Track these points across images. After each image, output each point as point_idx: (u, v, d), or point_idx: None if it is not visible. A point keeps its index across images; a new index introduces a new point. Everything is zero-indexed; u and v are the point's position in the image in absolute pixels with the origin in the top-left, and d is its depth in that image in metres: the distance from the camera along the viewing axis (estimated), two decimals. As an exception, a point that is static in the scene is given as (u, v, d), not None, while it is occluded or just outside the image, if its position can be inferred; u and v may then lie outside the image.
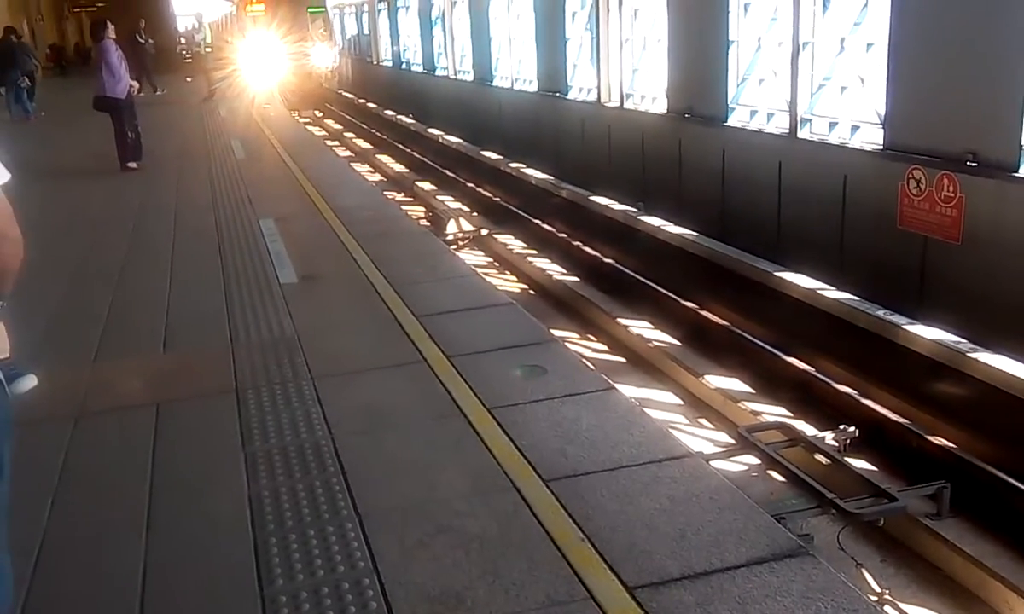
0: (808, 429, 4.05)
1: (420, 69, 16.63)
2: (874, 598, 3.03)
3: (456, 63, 14.39)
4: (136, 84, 8.43)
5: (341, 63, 22.45)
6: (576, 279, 6.93)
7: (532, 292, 6.94)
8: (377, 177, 12.31)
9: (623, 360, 5.47)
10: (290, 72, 19.65)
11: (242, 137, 10.30)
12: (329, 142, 14.82)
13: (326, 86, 21.92)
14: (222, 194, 6.99)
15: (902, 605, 3.09)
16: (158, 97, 15.32)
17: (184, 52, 21.49)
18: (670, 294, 5.99)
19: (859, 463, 3.78)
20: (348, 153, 14.32)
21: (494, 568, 2.00)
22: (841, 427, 3.89)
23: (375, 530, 2.19)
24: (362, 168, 12.27)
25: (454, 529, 2.16)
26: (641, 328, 5.68)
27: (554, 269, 7.27)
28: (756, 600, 1.84)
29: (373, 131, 16.01)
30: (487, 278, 5.47)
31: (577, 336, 5.84)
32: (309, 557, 2.10)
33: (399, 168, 12.79)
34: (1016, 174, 4.56)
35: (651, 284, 6.25)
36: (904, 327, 4.70)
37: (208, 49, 22.59)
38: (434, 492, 2.34)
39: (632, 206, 7.86)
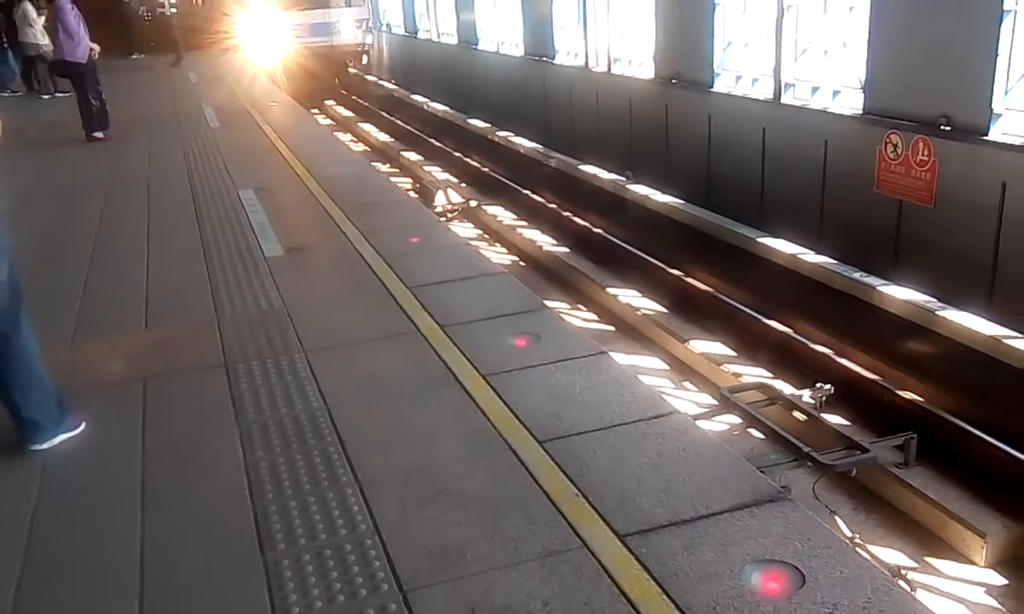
0: (787, 388, 4.24)
1: (402, 32, 16.29)
2: (845, 542, 3.25)
3: (439, 25, 14.10)
4: (96, 47, 7.97)
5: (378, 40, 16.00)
6: (566, 250, 6.99)
7: (522, 263, 7.01)
8: (361, 147, 12.16)
9: (612, 328, 5.60)
10: (298, 50, 13.73)
11: (214, 104, 9.89)
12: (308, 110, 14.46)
13: (354, 71, 16.18)
14: (197, 164, 6.74)
15: (870, 547, 3.32)
16: (125, 62, 14.52)
17: (145, 14, 18.95)
18: (657, 262, 6.12)
19: (834, 418, 3.98)
20: (328, 121, 14.06)
21: (493, 524, 2.10)
22: (817, 385, 4.09)
23: (375, 495, 2.23)
24: (344, 137, 12.08)
25: (453, 490, 2.25)
26: (630, 297, 5.80)
27: (544, 240, 7.31)
28: (738, 542, 1.98)
29: (353, 97, 15.71)
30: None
31: (568, 306, 5.95)
32: (310, 522, 2.14)
33: (383, 137, 12.64)
34: (986, 137, 4.70)
35: (639, 253, 6.37)
36: (878, 288, 4.89)
37: (173, 9, 19.69)
38: (432, 457, 2.41)
39: (620, 175, 7.91)
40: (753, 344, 4.95)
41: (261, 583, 1.95)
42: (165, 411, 2.81)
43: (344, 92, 15.59)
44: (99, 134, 8.00)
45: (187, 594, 1.97)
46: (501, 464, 2.38)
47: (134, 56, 15.34)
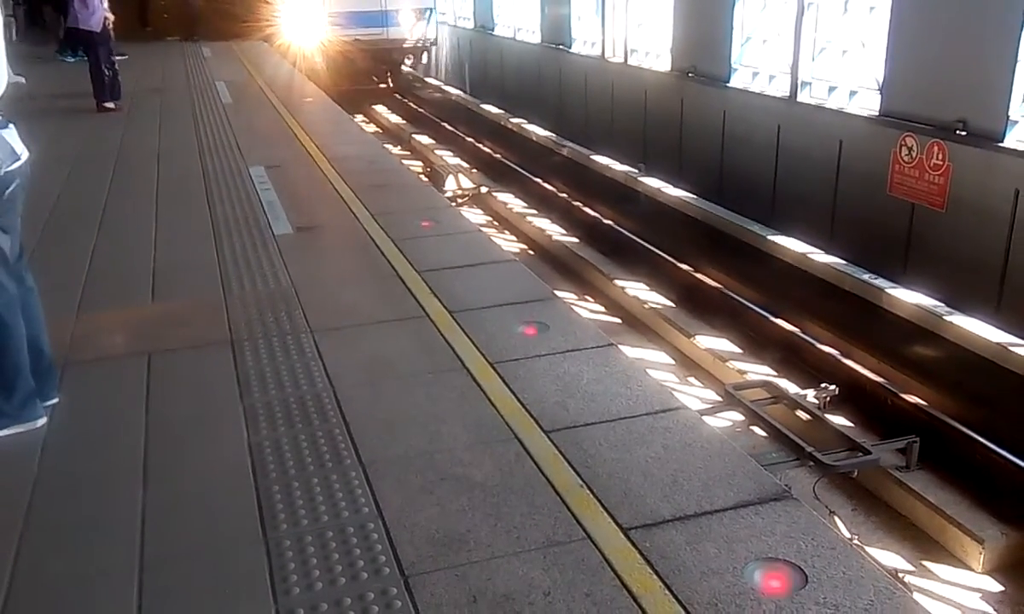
0: (791, 387, 4.24)
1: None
2: (844, 543, 3.27)
3: (455, 7, 13.97)
4: (112, 16, 7.88)
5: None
6: (575, 240, 6.98)
7: (531, 252, 6.99)
8: (372, 128, 12.10)
9: (619, 321, 5.59)
10: (343, 44, 11.49)
11: (227, 79, 9.81)
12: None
13: (412, 74, 13.77)
14: (208, 139, 6.70)
15: (868, 549, 3.33)
16: (139, 33, 14.46)
17: None
18: (666, 256, 6.10)
19: (838, 419, 3.99)
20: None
21: (496, 512, 2.10)
22: (822, 385, 4.08)
23: (379, 478, 2.23)
24: (356, 118, 12.00)
25: (457, 477, 2.24)
26: (637, 290, 5.78)
27: (553, 229, 7.29)
28: (742, 539, 1.99)
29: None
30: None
31: (575, 297, 5.93)
32: (313, 503, 2.13)
33: (395, 119, 12.56)
34: (1001, 144, 4.65)
35: (649, 246, 6.35)
36: (887, 290, 4.87)
37: None
38: (437, 442, 2.41)
39: (633, 167, 7.87)
40: (759, 342, 4.95)
41: (262, 562, 1.95)
42: (169, 386, 2.79)
43: (398, 96, 13.02)
44: (110, 104, 7.95)
45: (187, 571, 1.97)
46: (506, 452, 2.37)
47: (149, 28, 15.27)
